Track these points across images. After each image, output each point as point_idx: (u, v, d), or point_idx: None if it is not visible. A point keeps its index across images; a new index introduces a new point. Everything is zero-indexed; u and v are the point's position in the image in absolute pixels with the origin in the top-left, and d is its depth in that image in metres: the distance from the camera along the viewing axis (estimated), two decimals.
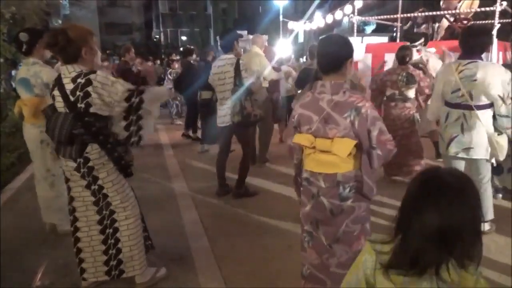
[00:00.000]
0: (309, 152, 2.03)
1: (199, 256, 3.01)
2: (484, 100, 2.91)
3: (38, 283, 2.68)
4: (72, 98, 2.25)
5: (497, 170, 3.55)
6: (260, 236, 3.36)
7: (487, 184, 3.11)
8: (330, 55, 1.98)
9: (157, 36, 31.76)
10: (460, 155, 3.01)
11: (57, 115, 2.32)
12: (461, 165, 3.12)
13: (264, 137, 5.42)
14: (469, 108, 2.92)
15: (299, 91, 6.81)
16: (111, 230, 2.46)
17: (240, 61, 4.02)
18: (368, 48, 7.40)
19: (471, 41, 2.96)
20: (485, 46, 3.02)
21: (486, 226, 3.17)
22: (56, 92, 2.31)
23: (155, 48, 27.66)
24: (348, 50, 1.99)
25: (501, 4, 6.33)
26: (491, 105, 2.94)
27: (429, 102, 3.45)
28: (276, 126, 5.98)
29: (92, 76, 2.22)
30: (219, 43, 4.41)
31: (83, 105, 2.24)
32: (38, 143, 3.21)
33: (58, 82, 2.30)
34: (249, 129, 4.25)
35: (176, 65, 9.32)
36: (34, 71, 3.10)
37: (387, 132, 1.95)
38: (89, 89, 2.21)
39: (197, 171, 5.30)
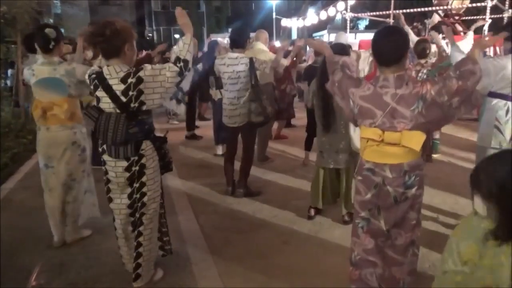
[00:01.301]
0: (372, 144, 2.04)
1: (195, 253, 3.02)
2: None
3: (33, 282, 2.67)
4: (124, 99, 2.22)
5: None
6: (255, 232, 3.37)
7: None
8: (393, 47, 1.97)
9: (150, 35, 31.59)
10: None
11: (107, 117, 2.25)
12: None
13: (264, 134, 5.35)
14: None
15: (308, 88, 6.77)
16: (136, 233, 2.50)
17: (255, 59, 3.85)
18: (362, 45, 7.42)
19: None
20: None
21: None
22: (101, 93, 2.27)
23: (148, 46, 27.50)
24: (407, 41, 2.02)
25: (492, 0, 6.37)
26: None
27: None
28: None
29: (141, 73, 2.22)
30: (229, 38, 4.11)
31: (136, 105, 2.24)
32: (70, 145, 3.06)
33: (102, 83, 2.25)
34: (255, 130, 4.17)
35: None
36: (65, 69, 2.95)
37: (452, 79, 1.88)
38: (141, 86, 2.21)
39: (192, 168, 5.30)
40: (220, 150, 5.76)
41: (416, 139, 1.95)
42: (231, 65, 3.85)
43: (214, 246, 3.14)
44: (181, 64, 2.29)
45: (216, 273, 2.76)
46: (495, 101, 3.07)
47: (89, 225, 3.35)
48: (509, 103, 3.02)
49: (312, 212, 3.60)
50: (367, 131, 2.05)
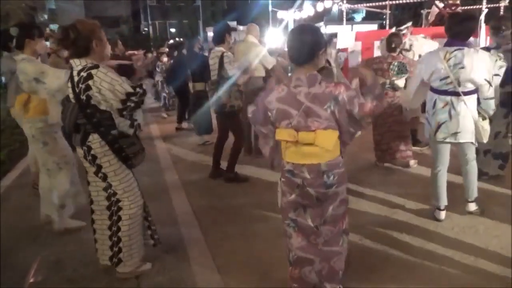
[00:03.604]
0: (290, 145, 2.02)
1: (193, 247, 3.03)
2: (470, 87, 2.99)
3: (31, 280, 2.66)
4: (77, 90, 2.36)
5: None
6: (252, 225, 3.37)
7: (472, 163, 3.21)
8: (304, 46, 1.96)
9: (146, 29, 31.37)
10: (448, 139, 3.10)
11: (68, 105, 2.46)
12: (447, 149, 3.20)
13: None
14: (457, 94, 2.99)
15: None
16: (116, 218, 2.55)
17: (225, 54, 4.25)
18: (358, 36, 7.38)
19: (457, 27, 2.98)
20: (471, 32, 3.04)
21: (471, 207, 3.27)
22: (69, 84, 2.45)
23: (144, 41, 27.36)
24: (320, 41, 1.99)
25: None
26: (475, 91, 3.02)
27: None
28: None
29: (93, 71, 2.30)
30: (208, 35, 4.64)
31: (84, 97, 2.35)
32: (31, 137, 3.25)
33: (70, 74, 2.43)
34: (232, 118, 4.40)
35: (165, 59, 9.30)
36: (20, 67, 3.07)
37: (363, 100, 1.95)
38: (90, 82, 2.31)
39: (189, 163, 5.29)
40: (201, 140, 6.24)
41: (329, 138, 1.96)
42: (212, 58, 4.41)
43: (211, 239, 3.14)
44: (136, 99, 2.40)
45: (214, 266, 2.76)
46: (429, 94, 3.17)
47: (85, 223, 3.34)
48: (435, 96, 3.09)
49: None
50: (283, 133, 2.02)
